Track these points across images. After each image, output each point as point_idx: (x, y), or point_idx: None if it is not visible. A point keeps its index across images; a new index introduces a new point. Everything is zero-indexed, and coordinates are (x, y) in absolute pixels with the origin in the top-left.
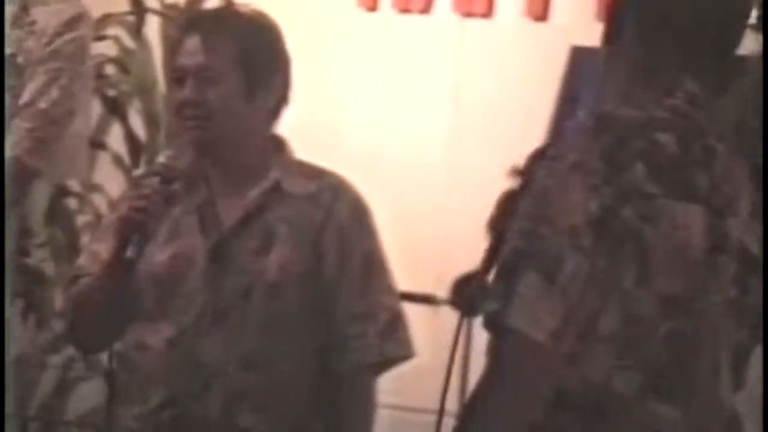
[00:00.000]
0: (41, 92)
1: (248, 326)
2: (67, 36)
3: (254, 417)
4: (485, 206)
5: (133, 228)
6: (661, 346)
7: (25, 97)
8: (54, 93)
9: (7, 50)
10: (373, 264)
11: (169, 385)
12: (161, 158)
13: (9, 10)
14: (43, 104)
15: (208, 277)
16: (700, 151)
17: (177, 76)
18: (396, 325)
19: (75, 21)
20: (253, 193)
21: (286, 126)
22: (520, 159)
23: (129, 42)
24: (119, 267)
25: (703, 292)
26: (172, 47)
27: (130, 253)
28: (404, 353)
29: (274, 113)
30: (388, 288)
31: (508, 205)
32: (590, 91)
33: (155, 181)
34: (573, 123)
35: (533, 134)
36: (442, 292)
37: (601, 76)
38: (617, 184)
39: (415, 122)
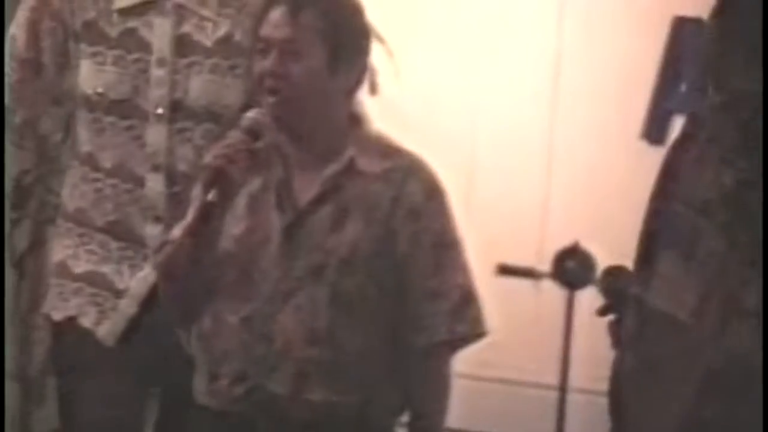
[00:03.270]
0: None
1: (320, 303)
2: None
3: (324, 391)
4: (585, 179)
5: (216, 174)
6: None
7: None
8: None
9: (222, 31)
10: (445, 243)
11: (241, 360)
12: (249, 113)
13: None
14: None
15: (283, 255)
16: None
17: (261, 47)
18: (468, 303)
19: None
20: (328, 171)
21: (384, 100)
22: (620, 131)
23: None
24: (203, 216)
25: None
26: (256, 17)
27: (211, 196)
28: (475, 332)
29: (353, 92)
30: (460, 266)
31: None
32: (694, 62)
33: (241, 133)
34: (694, 104)
35: (635, 106)
36: (543, 265)
37: (713, 49)
38: (754, 157)
39: (515, 94)
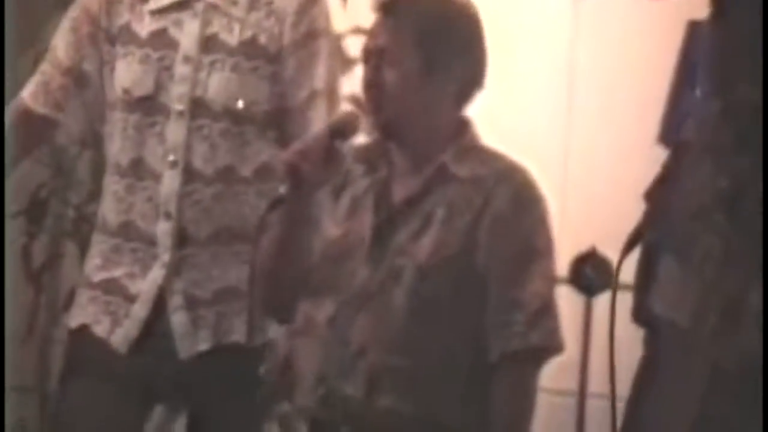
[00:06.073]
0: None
1: (397, 308)
2: (308, 16)
3: (397, 398)
4: (602, 184)
5: (288, 170)
6: None
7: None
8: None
9: (248, 33)
10: (529, 252)
11: (322, 360)
12: (342, 111)
13: None
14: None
15: (370, 256)
16: None
17: (364, 58)
18: (545, 314)
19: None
20: (423, 174)
21: None
22: (636, 135)
23: None
24: (270, 208)
25: None
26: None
27: (282, 189)
28: (551, 344)
29: (459, 97)
30: (542, 276)
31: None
32: (707, 66)
33: (323, 131)
34: (701, 110)
35: (650, 111)
36: (560, 270)
37: (715, 51)
38: (750, 162)
39: (530, 100)
